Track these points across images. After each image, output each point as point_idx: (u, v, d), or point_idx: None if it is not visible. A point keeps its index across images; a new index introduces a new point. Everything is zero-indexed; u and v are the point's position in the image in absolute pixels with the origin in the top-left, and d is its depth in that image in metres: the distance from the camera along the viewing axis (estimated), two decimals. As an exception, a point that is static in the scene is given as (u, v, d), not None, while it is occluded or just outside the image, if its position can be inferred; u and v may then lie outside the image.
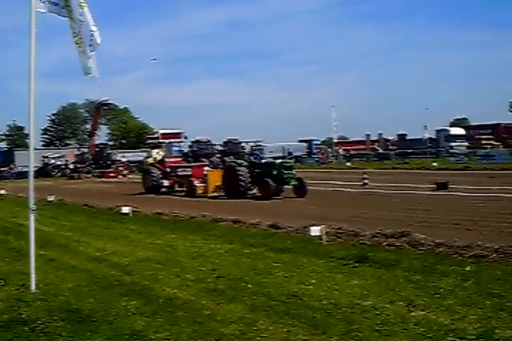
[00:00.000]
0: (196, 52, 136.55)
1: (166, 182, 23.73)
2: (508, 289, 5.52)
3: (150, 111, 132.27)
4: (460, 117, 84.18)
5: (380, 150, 56.53)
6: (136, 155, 51.10)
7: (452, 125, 68.78)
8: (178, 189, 23.41)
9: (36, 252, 6.35)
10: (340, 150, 57.30)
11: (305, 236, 8.94)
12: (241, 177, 18.71)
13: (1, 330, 4.88)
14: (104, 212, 15.21)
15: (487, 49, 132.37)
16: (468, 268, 6.45)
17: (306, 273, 6.59)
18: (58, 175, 48.59)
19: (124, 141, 79.26)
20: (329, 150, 57.80)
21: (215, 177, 20.36)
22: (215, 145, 40.42)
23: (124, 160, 49.56)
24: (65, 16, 6.31)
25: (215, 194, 20.08)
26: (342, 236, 9.03)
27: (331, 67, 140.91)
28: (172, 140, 33.46)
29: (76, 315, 5.18)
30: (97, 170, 46.02)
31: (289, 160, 21.31)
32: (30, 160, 6.72)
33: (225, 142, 43.93)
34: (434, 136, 52.70)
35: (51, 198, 19.39)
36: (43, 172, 44.98)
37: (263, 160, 20.09)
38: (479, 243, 7.62)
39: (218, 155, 34.78)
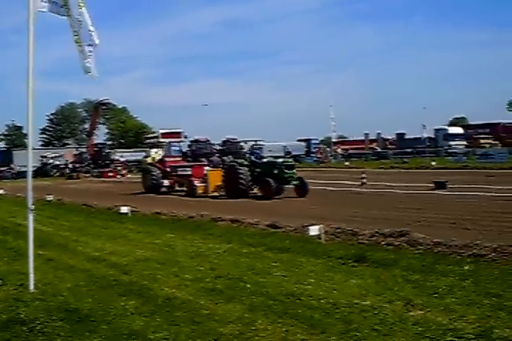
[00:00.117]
0: (194, 52, 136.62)
1: (166, 182, 23.73)
2: (507, 288, 5.53)
3: (148, 111, 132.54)
4: (459, 116, 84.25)
5: (379, 150, 56.64)
6: (135, 155, 51.16)
7: (451, 124, 68.91)
8: (178, 189, 23.41)
9: (35, 252, 6.34)
10: (339, 150, 57.39)
11: (304, 235, 8.94)
12: (242, 177, 18.67)
13: (-1, 330, 4.88)
14: (102, 212, 15.19)
15: (485, 48, 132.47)
16: (466, 268, 6.46)
17: (305, 273, 6.59)
18: (57, 174, 48.65)
19: (122, 141, 79.18)
20: (328, 149, 57.84)
21: (216, 177, 20.34)
22: (213, 144, 40.41)
23: (122, 159, 49.57)
24: (64, 15, 6.31)
25: (216, 194, 20.06)
26: (340, 236, 9.03)
27: (329, 66, 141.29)
28: (172, 139, 33.43)
29: (75, 315, 5.18)
30: (95, 170, 46.06)
31: (290, 160, 21.27)
32: (28, 160, 6.71)
33: (223, 141, 43.91)
34: (432, 135, 52.68)
35: (50, 198, 19.39)
36: (41, 172, 44.98)
37: (264, 160, 20.04)
38: (478, 242, 7.62)
39: (217, 155, 34.79)
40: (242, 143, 31.16)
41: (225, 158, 30.64)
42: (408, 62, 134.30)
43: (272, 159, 20.46)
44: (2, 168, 50.47)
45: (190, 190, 21.33)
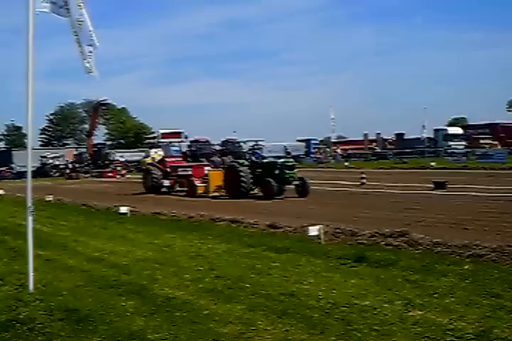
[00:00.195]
0: (194, 52, 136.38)
1: (166, 182, 23.72)
2: (506, 288, 5.53)
3: (148, 111, 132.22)
4: (458, 116, 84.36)
5: (378, 150, 56.62)
6: (135, 155, 51.16)
7: (450, 124, 68.99)
8: (178, 189, 23.40)
9: (34, 252, 6.34)
10: (339, 150, 57.34)
11: (303, 235, 8.94)
12: (243, 177, 18.63)
13: (-1, 330, 4.88)
14: (102, 212, 15.20)
15: (485, 48, 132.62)
16: (466, 268, 6.46)
17: (304, 273, 6.59)
18: (56, 175, 48.62)
19: (122, 141, 79.19)
20: (327, 149, 57.82)
21: (216, 177, 20.33)
22: (213, 145, 40.39)
23: (122, 159, 49.52)
24: (64, 16, 6.32)
25: (216, 194, 20.04)
26: (340, 236, 9.04)
27: (329, 66, 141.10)
28: (172, 139, 33.40)
29: (74, 315, 5.18)
30: (95, 170, 46.01)
31: (291, 160, 21.25)
32: (28, 160, 6.71)
33: (223, 142, 43.89)
34: (432, 136, 52.71)
35: (49, 198, 19.38)
36: (41, 172, 44.94)
37: (265, 160, 20.01)
38: (477, 242, 7.63)
39: (217, 155, 34.74)
40: (241, 144, 31.06)
41: (225, 158, 30.60)
42: (408, 63, 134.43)
43: (272, 159, 20.43)
44: (2, 168, 50.44)
45: (191, 190, 21.33)
